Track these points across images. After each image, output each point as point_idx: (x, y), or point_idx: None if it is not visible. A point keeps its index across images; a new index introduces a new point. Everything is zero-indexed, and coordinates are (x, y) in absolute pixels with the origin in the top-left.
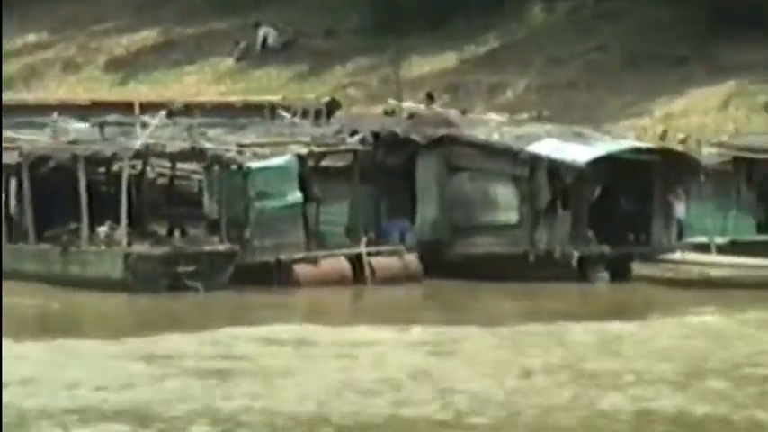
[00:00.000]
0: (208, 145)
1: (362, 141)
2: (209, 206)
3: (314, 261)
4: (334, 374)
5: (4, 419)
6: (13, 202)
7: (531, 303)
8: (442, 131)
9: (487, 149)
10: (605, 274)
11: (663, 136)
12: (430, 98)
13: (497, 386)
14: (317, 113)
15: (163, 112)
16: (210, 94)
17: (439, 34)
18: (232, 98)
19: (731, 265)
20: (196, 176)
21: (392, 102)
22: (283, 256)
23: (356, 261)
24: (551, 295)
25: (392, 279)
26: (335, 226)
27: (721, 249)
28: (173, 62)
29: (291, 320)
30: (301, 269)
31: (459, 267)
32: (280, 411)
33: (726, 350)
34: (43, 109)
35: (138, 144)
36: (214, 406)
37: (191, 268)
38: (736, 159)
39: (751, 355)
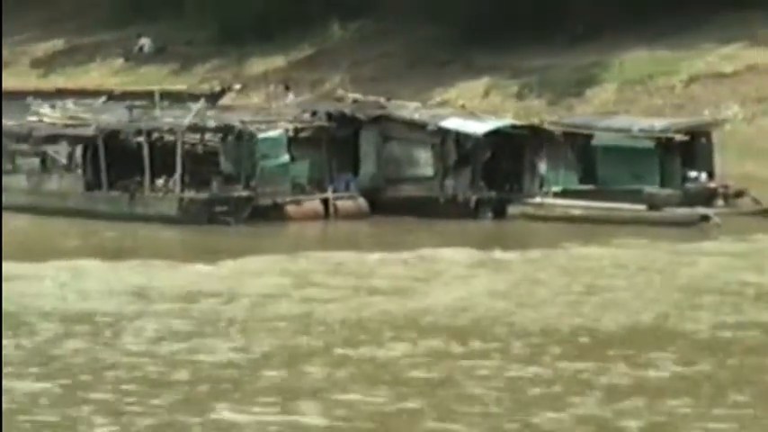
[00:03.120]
0: (231, 122)
1: (318, 118)
2: (225, 165)
3: (298, 203)
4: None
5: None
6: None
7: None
8: (379, 112)
9: (411, 125)
10: (490, 214)
11: None
12: (287, 88)
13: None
14: (215, 97)
15: (203, 100)
16: (110, 84)
17: (268, 43)
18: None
19: (579, 207)
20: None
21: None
22: (278, 200)
23: (325, 203)
24: (463, 230)
25: (349, 215)
26: (300, 179)
27: (555, 195)
28: (78, 61)
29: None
30: (291, 208)
31: (390, 207)
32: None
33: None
34: (18, 95)
35: (187, 121)
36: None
37: (224, 208)
38: (564, 133)
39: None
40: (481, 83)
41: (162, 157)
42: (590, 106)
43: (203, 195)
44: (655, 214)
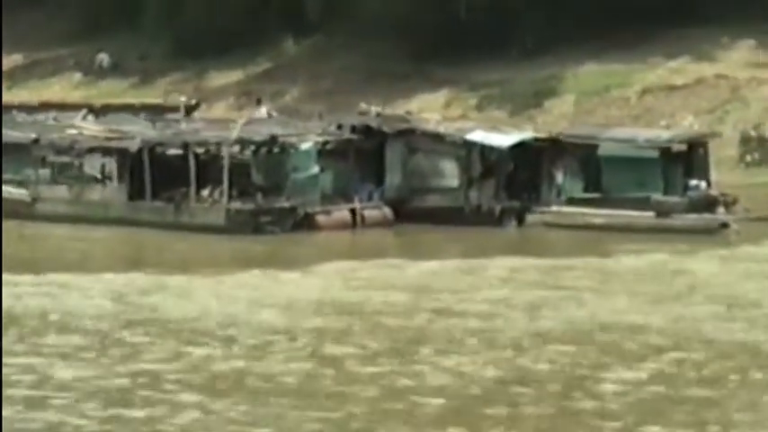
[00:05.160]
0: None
1: (341, 131)
2: (256, 177)
3: (328, 213)
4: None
5: None
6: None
7: (475, 243)
8: (405, 125)
9: (437, 137)
10: (514, 222)
11: None
12: (258, 102)
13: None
14: (190, 110)
15: (243, 118)
16: (73, 98)
17: (225, 57)
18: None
19: (599, 215)
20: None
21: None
22: (309, 210)
23: (352, 212)
24: (491, 237)
25: (375, 224)
26: (326, 189)
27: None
28: (38, 76)
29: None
30: (321, 218)
31: (415, 216)
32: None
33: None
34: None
35: (234, 134)
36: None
37: (269, 218)
38: (569, 144)
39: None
40: (441, 95)
41: (198, 168)
42: (551, 117)
43: (249, 206)
44: (676, 222)
